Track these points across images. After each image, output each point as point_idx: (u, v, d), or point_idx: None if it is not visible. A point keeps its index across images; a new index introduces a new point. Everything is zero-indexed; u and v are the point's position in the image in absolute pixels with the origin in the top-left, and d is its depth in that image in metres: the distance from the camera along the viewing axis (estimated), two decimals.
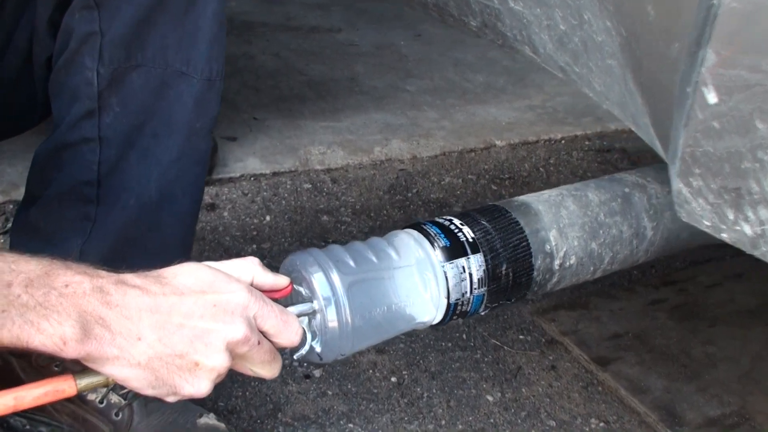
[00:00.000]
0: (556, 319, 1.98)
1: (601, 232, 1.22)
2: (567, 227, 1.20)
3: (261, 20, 3.62)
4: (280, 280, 1.05)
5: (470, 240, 1.14)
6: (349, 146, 2.71)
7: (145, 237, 1.47)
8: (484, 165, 2.70)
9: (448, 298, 1.12)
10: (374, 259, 1.09)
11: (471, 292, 1.13)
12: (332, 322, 1.04)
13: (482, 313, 1.19)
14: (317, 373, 1.78)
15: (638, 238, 1.26)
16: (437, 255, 1.11)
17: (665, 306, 2.05)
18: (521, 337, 1.97)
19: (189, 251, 1.55)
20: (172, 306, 0.92)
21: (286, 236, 2.23)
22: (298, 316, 1.04)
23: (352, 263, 1.08)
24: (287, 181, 2.50)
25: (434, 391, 1.79)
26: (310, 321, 1.06)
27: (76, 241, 1.43)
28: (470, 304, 1.15)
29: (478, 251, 1.13)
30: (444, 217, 1.18)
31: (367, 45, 3.54)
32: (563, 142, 2.89)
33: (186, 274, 0.97)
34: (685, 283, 2.13)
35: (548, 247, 1.18)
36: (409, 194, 2.49)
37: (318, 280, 1.05)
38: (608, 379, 1.81)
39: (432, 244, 1.12)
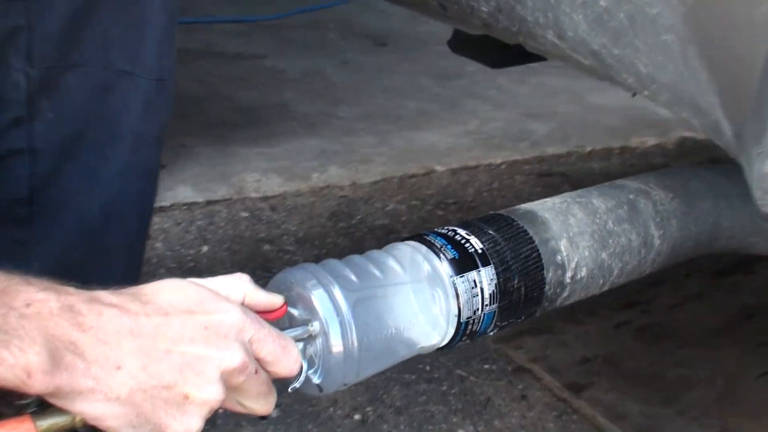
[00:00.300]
0: (522, 345, 1.87)
1: (610, 241, 1.12)
2: (577, 236, 1.09)
3: (181, 46, 3.44)
4: (274, 299, 0.91)
5: (479, 251, 1.02)
6: (285, 173, 2.57)
7: (88, 263, 1.29)
8: (427, 190, 2.60)
9: (459, 316, 0.99)
10: (378, 273, 0.96)
11: (482, 309, 1.01)
12: (336, 346, 0.90)
13: (490, 334, 1.07)
14: (274, 413, 1.62)
15: (646, 248, 1.16)
16: (446, 268, 0.99)
17: (630, 328, 1.97)
18: (486, 366, 1.86)
19: (137, 280, 1.38)
20: (156, 328, 0.77)
21: (226, 266, 2.07)
22: (296, 340, 0.90)
23: (354, 278, 0.94)
24: (223, 210, 2.34)
25: (402, 427, 1.65)
26: (305, 347, 0.92)
27: (8, 269, 1.24)
28: (481, 323, 1.03)
29: (488, 263, 1.01)
30: (446, 228, 1.06)
31: (294, 72, 3.42)
32: (503, 166, 2.82)
33: (169, 290, 0.81)
34: (646, 305, 2.07)
35: (559, 258, 1.07)
36: (353, 221, 2.36)
37: (318, 298, 0.91)
38: (584, 406, 1.71)
39: (439, 256, 1.00)
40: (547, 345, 1.88)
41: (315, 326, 0.91)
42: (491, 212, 1.11)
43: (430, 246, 1.01)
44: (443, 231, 1.05)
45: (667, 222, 1.18)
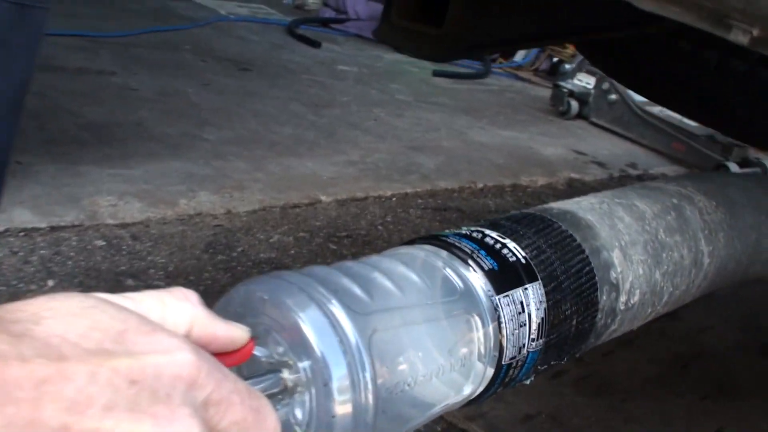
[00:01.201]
0: None
1: (664, 256, 0.84)
2: (629, 247, 0.80)
3: None
4: (236, 332, 0.55)
5: (523, 260, 0.70)
6: (147, 197, 2.16)
7: None
8: (314, 221, 2.25)
9: (501, 355, 0.67)
10: (394, 289, 0.62)
11: (528, 344, 0.69)
12: (343, 405, 0.55)
13: (526, 383, 0.75)
14: None
15: (696, 268, 0.89)
16: (483, 283, 0.66)
17: (569, 379, 1.70)
18: None
19: None
20: (40, 385, 0.40)
21: None
22: (271, 398, 0.55)
23: (363, 295, 0.60)
24: (72, 237, 1.90)
25: None
26: (287, 408, 0.57)
27: None
28: (522, 366, 0.71)
29: (535, 278, 0.70)
30: (466, 228, 0.74)
31: (148, 91, 3.00)
32: (394, 199, 2.53)
33: (64, 314, 0.44)
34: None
35: (614, 276, 0.77)
36: (234, 254, 1.98)
37: (313, 325, 0.56)
38: None
39: (470, 264, 0.67)
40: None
41: (304, 373, 0.56)
42: (520, 210, 0.79)
43: (455, 251, 0.68)
44: (464, 232, 0.73)
45: (715, 236, 0.91)
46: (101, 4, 4.18)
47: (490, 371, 0.67)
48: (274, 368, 0.57)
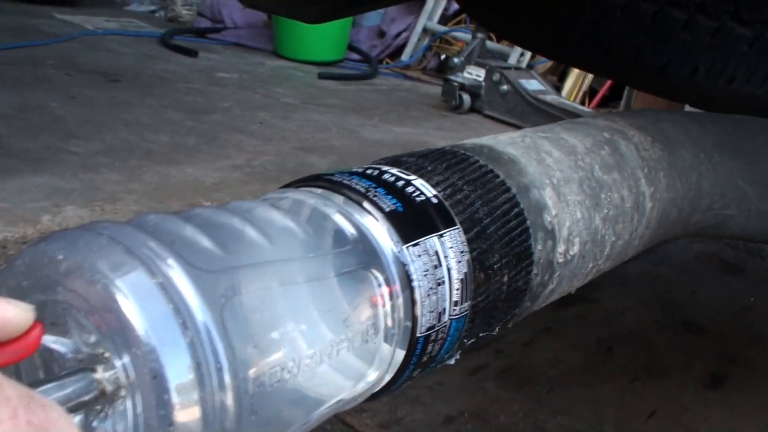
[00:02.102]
0: (363, 408, 1.37)
1: (602, 197, 0.68)
2: (562, 185, 0.64)
3: None
4: (10, 312, 0.35)
5: (434, 201, 0.53)
6: (5, 216, 1.90)
7: None
8: None
9: (414, 325, 0.49)
10: (262, 239, 0.44)
11: (450, 309, 0.51)
12: (185, 409, 0.36)
13: (451, 362, 0.57)
14: None
15: (639, 212, 0.73)
16: (385, 229, 0.49)
17: (489, 373, 1.54)
18: None
19: None
20: None
21: None
22: (70, 410, 0.35)
23: (213, 248, 0.41)
24: None
25: None
26: (93, 421, 0.38)
27: None
28: (444, 340, 0.53)
29: (452, 223, 0.52)
30: (361, 166, 0.56)
31: (5, 106, 2.72)
32: None
33: None
34: (497, 344, 1.65)
35: (548, 220, 0.61)
36: None
37: (133, 294, 0.37)
38: None
39: (365, 207, 0.50)
40: (396, 404, 1.39)
41: (125, 368, 0.37)
42: (429, 148, 0.62)
43: (344, 190, 0.50)
44: (356, 169, 0.55)
45: (655, 176, 0.76)
46: None
47: (401, 349, 0.49)
48: (84, 366, 0.38)
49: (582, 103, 4.27)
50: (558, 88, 4.30)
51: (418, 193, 0.52)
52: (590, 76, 4.41)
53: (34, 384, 0.36)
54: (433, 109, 3.91)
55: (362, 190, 0.50)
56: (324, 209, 0.48)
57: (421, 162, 0.56)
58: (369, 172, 0.53)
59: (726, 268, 2.36)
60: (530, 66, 4.32)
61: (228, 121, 3.00)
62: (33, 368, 0.42)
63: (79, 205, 2.05)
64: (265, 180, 2.45)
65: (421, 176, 0.54)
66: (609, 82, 4.29)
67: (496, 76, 3.74)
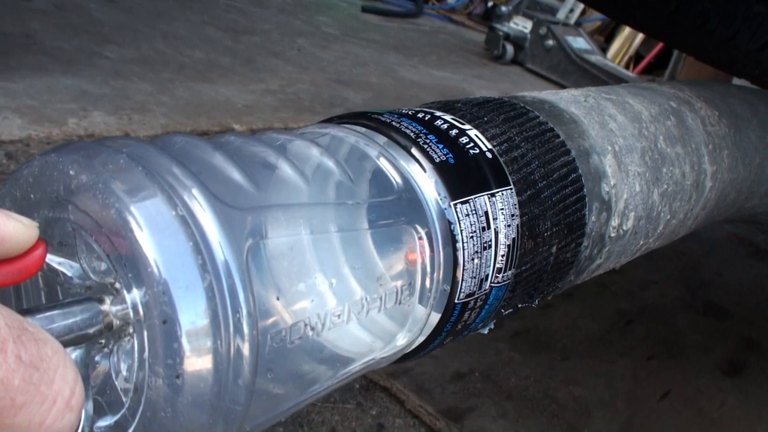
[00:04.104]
0: None
1: (664, 171, 0.63)
2: (624, 153, 0.59)
3: None
4: (12, 228, 0.31)
5: (489, 156, 0.48)
6: (30, 114, 1.87)
7: None
8: None
9: (455, 288, 0.45)
10: (298, 178, 0.39)
11: (492, 275, 0.47)
12: (196, 358, 0.32)
13: (484, 332, 0.53)
14: None
15: (698, 192, 0.68)
16: (433, 181, 0.44)
17: (504, 334, 1.51)
18: None
19: None
20: None
21: None
22: (67, 343, 0.31)
23: (245, 183, 0.36)
24: None
25: None
26: (93, 359, 0.34)
27: None
28: (482, 308, 0.49)
29: (506, 183, 0.48)
30: (412, 108, 0.51)
31: (42, 2, 2.67)
32: None
33: None
34: None
35: (606, 190, 0.56)
36: None
37: (149, 224, 0.32)
38: None
39: (414, 153, 0.45)
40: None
41: (134, 304, 0.33)
42: (486, 96, 0.57)
43: (392, 133, 0.46)
44: (408, 111, 0.50)
45: (719, 154, 0.71)
46: None
47: (437, 314, 0.45)
48: (91, 295, 0.34)
49: (627, 67, 4.15)
50: (604, 50, 4.19)
51: (472, 145, 0.47)
52: (638, 40, 4.28)
53: (33, 310, 0.33)
54: (474, 57, 3.82)
55: (412, 135, 0.45)
56: (368, 152, 0.43)
57: (477, 111, 0.51)
58: (420, 115, 0.48)
59: (756, 253, 2.30)
60: (578, 23, 4.20)
61: (266, 45, 2.94)
62: (36, 293, 0.38)
63: (107, 111, 2.01)
64: (297, 109, 2.40)
65: (476, 127, 0.49)
66: (656, 49, 4.16)
67: (542, 30, 3.64)
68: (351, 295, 0.38)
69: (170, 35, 2.72)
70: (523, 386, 1.38)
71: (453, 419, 1.24)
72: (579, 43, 3.58)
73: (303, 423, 1.21)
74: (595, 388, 1.43)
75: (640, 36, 4.07)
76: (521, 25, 3.77)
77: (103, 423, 0.35)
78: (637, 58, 4.24)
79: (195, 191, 0.33)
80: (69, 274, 0.36)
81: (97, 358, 0.36)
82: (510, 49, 3.68)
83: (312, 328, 0.36)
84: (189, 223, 0.32)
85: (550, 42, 3.58)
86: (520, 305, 0.52)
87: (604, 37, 4.37)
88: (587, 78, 3.51)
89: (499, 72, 3.68)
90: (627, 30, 4.14)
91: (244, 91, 2.40)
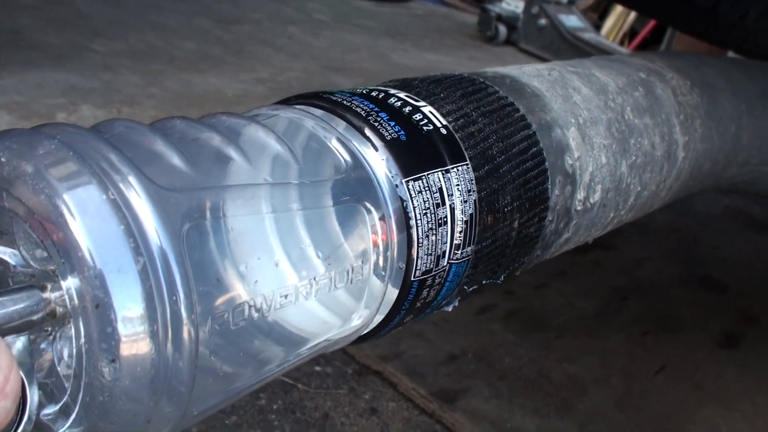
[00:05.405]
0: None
1: (632, 142, 0.62)
2: (589, 126, 0.58)
3: None
4: None
5: (444, 132, 0.47)
6: (19, 110, 1.87)
7: None
8: None
9: (410, 266, 0.44)
10: (241, 159, 0.39)
11: (450, 252, 0.47)
12: (132, 342, 0.32)
13: (448, 309, 0.53)
14: None
15: (669, 162, 0.68)
16: (383, 159, 0.44)
17: (497, 314, 1.50)
18: (318, 368, 1.30)
19: None
20: None
21: None
22: (22, 328, 0.31)
23: (182, 166, 0.36)
24: None
25: None
26: (31, 350, 0.34)
27: None
28: (442, 286, 0.48)
29: (462, 158, 0.47)
30: (367, 87, 0.51)
31: None
32: None
33: None
34: (509, 284, 1.61)
35: (570, 163, 0.55)
36: None
37: (80, 209, 0.32)
38: (461, 421, 1.21)
39: (366, 133, 0.44)
40: (398, 337, 1.36)
41: (69, 290, 0.32)
42: (446, 73, 0.57)
43: (343, 112, 0.45)
44: (360, 90, 0.49)
45: (691, 124, 0.70)
46: None
47: (393, 291, 0.44)
48: (34, 282, 0.34)
49: (621, 44, 4.13)
50: (598, 27, 4.17)
51: (426, 121, 0.46)
52: (632, 17, 4.26)
53: None
54: (467, 39, 3.81)
55: (363, 113, 0.45)
56: (317, 132, 0.43)
57: (433, 88, 0.50)
58: (374, 94, 0.47)
59: (753, 225, 2.29)
60: (571, 1, 4.17)
61: (257, 33, 2.93)
62: None
63: (97, 105, 2.01)
64: (288, 96, 2.39)
65: (431, 103, 0.48)
66: (651, 24, 4.14)
67: (534, 9, 3.63)
68: (298, 275, 0.38)
69: (160, 27, 2.72)
70: (516, 366, 1.37)
71: (446, 401, 1.24)
72: (572, 21, 3.56)
73: (296, 409, 1.21)
74: (589, 365, 1.42)
75: (634, 12, 4.06)
76: (513, 5, 3.75)
77: (49, 410, 0.35)
78: (631, 34, 4.23)
79: (128, 175, 0.33)
80: (12, 262, 0.36)
81: (43, 346, 0.36)
82: (503, 29, 3.66)
83: (257, 310, 0.36)
84: (121, 206, 0.32)
85: (543, 21, 3.57)
86: (484, 281, 0.51)
87: (598, 14, 4.35)
88: (581, 56, 3.49)
89: (492, 53, 3.67)
90: (620, 7, 4.12)
91: (234, 80, 2.40)
